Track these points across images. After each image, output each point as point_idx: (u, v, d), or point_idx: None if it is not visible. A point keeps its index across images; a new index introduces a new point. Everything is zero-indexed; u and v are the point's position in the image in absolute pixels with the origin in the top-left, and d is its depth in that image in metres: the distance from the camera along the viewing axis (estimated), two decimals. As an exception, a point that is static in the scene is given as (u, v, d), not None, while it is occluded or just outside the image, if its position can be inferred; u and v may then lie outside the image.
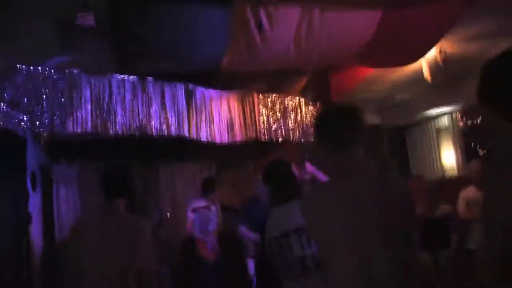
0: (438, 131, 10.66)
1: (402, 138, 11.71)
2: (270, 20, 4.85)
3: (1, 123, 5.48)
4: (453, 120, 10.28)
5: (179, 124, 6.25)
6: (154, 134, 6.09)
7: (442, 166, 10.54)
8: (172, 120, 6.22)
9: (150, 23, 4.71)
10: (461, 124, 9.82)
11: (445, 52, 6.65)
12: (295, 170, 6.42)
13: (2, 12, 4.70)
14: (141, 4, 4.51)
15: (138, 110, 5.96)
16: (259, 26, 4.72)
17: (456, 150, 10.25)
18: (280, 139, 7.30)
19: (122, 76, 5.91)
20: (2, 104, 5.34)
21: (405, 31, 5.30)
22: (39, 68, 5.53)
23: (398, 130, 11.45)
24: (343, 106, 2.56)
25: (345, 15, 5.08)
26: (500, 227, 1.59)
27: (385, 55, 6.02)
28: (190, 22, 4.80)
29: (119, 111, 5.83)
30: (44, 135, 6.84)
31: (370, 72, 7.28)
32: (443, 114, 10.37)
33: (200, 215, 7.16)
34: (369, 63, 6.61)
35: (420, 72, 6.99)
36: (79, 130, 5.61)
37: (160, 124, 6.12)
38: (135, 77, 5.98)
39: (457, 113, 9.97)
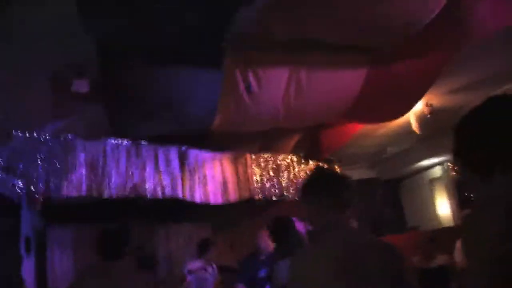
0: (431, 181, 10.73)
1: (397, 190, 11.76)
2: (259, 82, 4.97)
3: (-4, 187, 5.53)
4: (445, 171, 10.37)
5: (173, 186, 6.30)
6: (148, 196, 6.12)
7: (437, 216, 10.55)
8: (166, 182, 6.27)
9: (142, 86, 4.82)
10: (453, 174, 9.89)
11: (431, 105, 6.81)
12: (298, 224, 6.48)
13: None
14: (133, 68, 4.63)
15: (133, 173, 6.02)
16: (248, 88, 4.83)
17: (450, 199, 10.29)
18: (274, 197, 7.34)
19: (117, 140, 6.00)
20: (-3, 169, 5.40)
21: (391, 87, 5.41)
22: (35, 133, 5.62)
23: (392, 182, 11.52)
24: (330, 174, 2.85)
25: (332, 75, 5.20)
26: None
27: (374, 111, 6.13)
28: (182, 84, 4.91)
29: (113, 174, 5.89)
30: (40, 199, 6.87)
31: (360, 128, 7.40)
32: (435, 164, 10.47)
33: (197, 277, 7.17)
34: (359, 119, 6.73)
35: (409, 126, 7.12)
36: (74, 194, 5.64)
37: (155, 186, 6.16)
38: (129, 141, 6.07)
39: (449, 164, 10.06)
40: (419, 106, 6.76)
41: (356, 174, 10.70)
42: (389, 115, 6.51)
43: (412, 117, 7.02)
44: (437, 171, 10.57)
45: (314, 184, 2.68)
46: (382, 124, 7.57)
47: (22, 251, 7.74)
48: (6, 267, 7.17)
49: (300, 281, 2.55)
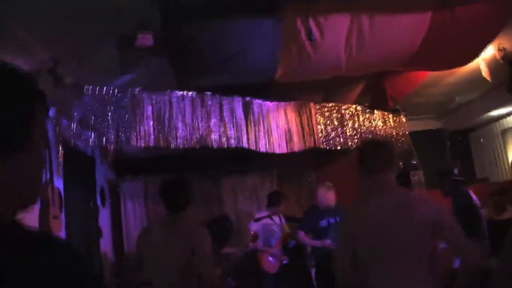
0: (504, 132, 10.35)
1: (466, 141, 11.46)
2: (320, 29, 4.91)
3: (72, 140, 5.81)
4: (518, 121, 9.97)
5: (238, 137, 6.42)
6: (214, 147, 6.27)
7: (508, 168, 10.22)
8: (231, 132, 6.39)
9: (203, 38, 4.88)
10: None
11: (504, 49, 6.44)
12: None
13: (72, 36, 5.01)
14: (195, 21, 4.69)
15: (198, 124, 6.17)
16: (309, 36, 4.79)
17: (523, 150, 9.94)
18: (338, 147, 7.35)
19: (182, 92, 6.15)
20: (72, 122, 5.66)
21: (458, 31, 5.20)
22: (104, 88, 5.84)
23: (461, 133, 11.21)
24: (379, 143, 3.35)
25: (395, 19, 5.06)
26: None
27: (439, 57, 5.93)
28: (243, 35, 4.93)
29: (179, 125, 6.05)
30: (111, 151, 7.17)
31: (427, 76, 7.19)
32: (507, 114, 10.05)
33: (263, 227, 7.34)
34: (424, 66, 6.53)
35: (479, 72, 6.81)
36: (142, 145, 5.86)
37: (220, 137, 6.30)
38: (193, 92, 6.21)
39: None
40: (490, 51, 6.43)
41: (423, 124, 10.52)
42: (457, 61, 6.29)
43: (482, 63, 6.68)
44: (510, 121, 10.16)
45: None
46: (449, 71, 7.31)
47: (98, 202, 8.15)
48: (84, 217, 7.57)
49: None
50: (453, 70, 7.13)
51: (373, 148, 3.17)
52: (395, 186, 3.09)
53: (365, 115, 7.60)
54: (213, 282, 4.22)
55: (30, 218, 1.17)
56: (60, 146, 5.77)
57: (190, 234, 4.17)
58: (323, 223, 6.51)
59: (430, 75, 7.21)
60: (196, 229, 4.30)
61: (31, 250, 1.02)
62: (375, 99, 7.62)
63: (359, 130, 7.44)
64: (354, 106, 7.55)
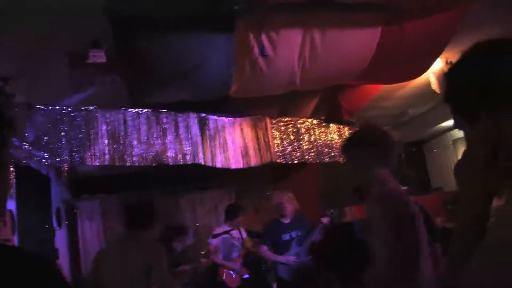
0: (455, 142, 10.64)
1: (421, 152, 11.73)
2: (273, 45, 4.96)
3: (24, 161, 5.70)
4: (468, 131, 10.20)
5: (194, 153, 6.41)
6: (170, 163, 6.24)
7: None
8: (187, 149, 6.38)
9: (157, 54, 4.87)
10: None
11: (451, 62, 6.63)
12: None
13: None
14: (147, 36, 4.68)
15: (154, 142, 6.14)
16: (262, 51, 4.84)
17: (474, 160, 10.15)
18: (295, 161, 7.40)
19: (136, 109, 6.11)
20: (24, 143, 5.55)
21: (407, 45, 5.35)
22: (57, 106, 5.76)
23: (415, 144, 11.47)
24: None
25: (346, 34, 5.16)
26: None
27: (390, 71, 6.07)
28: (197, 50, 4.94)
29: (135, 143, 6.02)
30: (65, 170, 7.07)
31: (380, 89, 7.35)
32: (457, 125, 10.29)
33: (223, 241, 7.33)
34: (376, 80, 6.68)
35: (429, 85, 6.99)
36: (97, 164, 5.79)
37: (176, 154, 6.28)
38: (148, 110, 6.18)
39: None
40: (439, 65, 6.63)
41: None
42: (407, 74, 6.46)
43: (432, 76, 6.89)
44: (460, 132, 10.43)
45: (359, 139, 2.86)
46: (401, 85, 7.49)
47: (54, 223, 7.99)
48: (40, 238, 7.41)
49: None
50: (405, 83, 7.31)
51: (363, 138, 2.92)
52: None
53: (321, 128, 7.69)
54: None
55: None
56: (12, 167, 5.64)
57: (145, 251, 4.16)
58: (285, 236, 6.52)
59: (383, 88, 7.37)
60: (151, 245, 4.30)
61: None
62: (330, 113, 7.72)
63: (315, 143, 7.52)
64: (309, 120, 7.63)
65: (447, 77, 1.76)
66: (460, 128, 2.00)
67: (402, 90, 8.02)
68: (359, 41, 5.33)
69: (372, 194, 2.66)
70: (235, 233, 7.42)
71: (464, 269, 1.64)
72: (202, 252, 7.51)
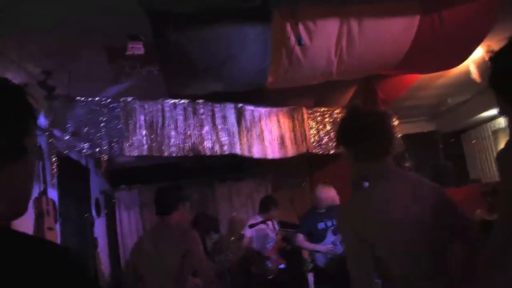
0: (494, 132, 10.40)
1: (459, 143, 11.50)
2: (310, 34, 4.93)
3: (65, 152, 5.83)
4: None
5: (231, 143, 6.43)
6: (207, 154, 6.28)
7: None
8: (224, 139, 6.40)
9: (193, 46, 4.89)
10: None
11: (492, 50, 6.47)
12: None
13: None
14: (184, 27, 4.71)
15: (191, 132, 6.19)
16: (299, 41, 4.81)
17: (514, 150, 9.91)
18: (331, 152, 7.36)
19: (174, 100, 6.17)
20: (65, 134, 5.68)
21: (446, 34, 5.24)
22: (96, 98, 5.87)
23: (453, 134, 11.26)
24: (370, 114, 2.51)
25: (383, 23, 5.08)
26: None
27: (428, 60, 5.96)
28: (233, 41, 4.94)
29: (172, 134, 6.07)
30: (104, 160, 7.19)
31: (417, 79, 7.23)
32: (498, 115, 10.07)
33: (258, 233, 7.36)
34: (413, 69, 6.57)
35: (469, 74, 6.85)
36: (135, 154, 5.88)
37: (213, 144, 6.31)
38: (186, 100, 6.23)
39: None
40: (479, 53, 6.47)
41: (415, 127, 10.56)
42: (446, 63, 6.33)
43: (472, 65, 6.74)
44: (500, 122, 10.20)
45: (352, 126, 2.44)
46: (440, 74, 7.36)
47: (93, 212, 8.15)
48: (80, 228, 7.57)
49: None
50: (444, 72, 7.18)
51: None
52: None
53: (358, 119, 7.61)
54: (210, 281, 4.27)
55: (25, 229, 1.18)
56: (54, 158, 5.77)
57: (181, 238, 4.22)
58: (321, 225, 6.54)
59: (421, 78, 7.25)
60: (186, 232, 4.35)
61: (29, 254, 1.03)
62: (366, 103, 7.63)
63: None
64: (346, 109, 7.57)
65: (493, 62, 1.73)
66: (504, 115, 1.92)
67: (441, 80, 7.88)
68: (397, 30, 5.25)
69: None
70: (269, 224, 7.45)
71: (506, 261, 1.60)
72: (234, 240, 7.55)
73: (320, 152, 7.28)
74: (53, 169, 5.82)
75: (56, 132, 5.81)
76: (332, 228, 6.49)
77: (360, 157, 2.42)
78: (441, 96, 9.12)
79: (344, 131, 2.49)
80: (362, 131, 2.38)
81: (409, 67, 6.25)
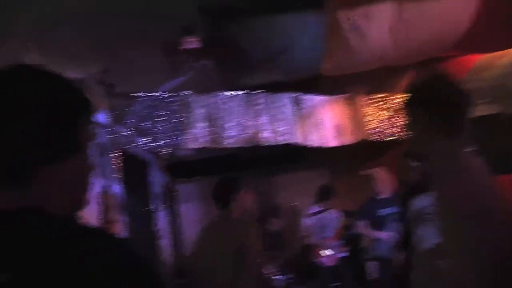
0: None
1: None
2: (365, 19, 4.87)
3: (126, 147, 5.97)
4: None
5: (289, 133, 6.42)
6: (265, 144, 6.29)
7: None
8: (282, 129, 6.40)
9: (247, 37, 4.91)
10: None
11: None
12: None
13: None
14: (238, 18, 4.73)
15: (248, 123, 6.21)
16: (354, 27, 4.75)
17: None
18: (390, 138, 7.24)
19: (230, 92, 6.21)
20: (126, 129, 5.81)
21: (509, 9, 5.05)
22: (155, 93, 5.97)
23: (518, 117, 10.84)
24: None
25: (440, 2, 4.96)
26: None
27: (490, 38, 5.75)
28: (287, 30, 4.94)
29: (230, 125, 6.11)
30: (163, 154, 7.33)
31: (479, 59, 6.99)
32: None
33: (318, 221, 7.33)
34: (474, 49, 6.36)
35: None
36: (195, 147, 5.95)
37: (271, 134, 6.32)
38: (242, 92, 6.26)
39: None
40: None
41: (478, 110, 10.23)
42: (508, 42, 6.11)
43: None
44: None
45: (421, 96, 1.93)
46: (502, 53, 7.10)
47: (155, 205, 8.31)
48: (142, 221, 7.73)
49: None
50: (506, 51, 6.91)
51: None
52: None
53: (417, 104, 7.43)
54: (261, 274, 4.30)
55: (90, 223, 1.21)
56: (116, 153, 5.92)
57: (237, 229, 4.25)
58: (382, 213, 6.45)
59: (482, 58, 7.01)
60: (243, 223, 4.37)
61: (94, 244, 1.05)
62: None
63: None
64: (404, 95, 7.41)
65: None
66: None
67: (504, 59, 7.57)
68: (455, 9, 5.10)
69: None
70: (328, 213, 7.41)
71: None
72: (299, 232, 7.55)
73: (379, 138, 7.17)
74: (115, 164, 5.97)
75: (117, 128, 5.95)
76: (393, 215, 6.39)
77: None
78: (504, 76, 8.78)
79: None
80: None
81: (470, 47, 6.06)
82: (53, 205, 1.11)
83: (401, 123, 7.23)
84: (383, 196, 6.54)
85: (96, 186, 5.57)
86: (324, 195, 7.55)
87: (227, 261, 4.14)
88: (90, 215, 5.51)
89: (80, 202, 1.23)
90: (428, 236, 3.68)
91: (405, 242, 5.04)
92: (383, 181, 6.59)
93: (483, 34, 5.48)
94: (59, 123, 1.12)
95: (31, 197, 1.09)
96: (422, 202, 3.95)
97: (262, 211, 7.57)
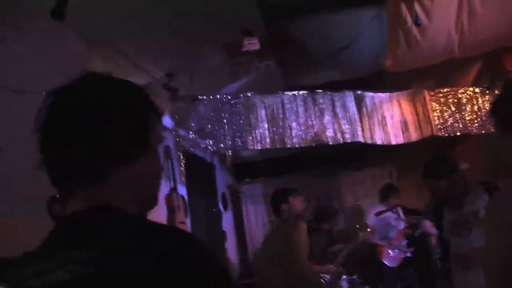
0: None
1: None
2: (427, 12, 4.74)
3: (191, 149, 6.07)
4: None
5: (353, 131, 6.35)
6: (329, 143, 6.25)
7: None
8: (346, 128, 6.33)
9: (307, 36, 4.89)
10: None
11: None
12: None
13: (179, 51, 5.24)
14: (297, 17, 4.72)
15: (312, 122, 6.18)
16: (416, 21, 4.64)
17: None
18: (458, 134, 7.04)
19: (293, 92, 6.20)
20: (190, 132, 5.91)
21: None
22: (218, 95, 6.04)
23: None
24: None
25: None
26: None
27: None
28: (347, 27, 4.90)
29: (293, 125, 6.11)
30: (228, 156, 7.40)
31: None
32: None
33: (382, 221, 7.24)
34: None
35: None
36: (259, 147, 5.98)
37: (335, 133, 6.27)
38: (304, 91, 6.24)
39: None
40: None
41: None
42: None
43: None
44: None
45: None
46: None
47: (220, 207, 8.41)
48: (208, 222, 7.84)
49: None
50: None
51: None
52: None
53: (485, 97, 7.19)
54: (305, 275, 4.44)
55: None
56: (181, 156, 6.03)
57: (288, 230, 4.46)
58: None
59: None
60: (293, 224, 4.57)
61: (164, 241, 1.08)
62: (494, 79, 7.19)
63: (479, 113, 7.06)
64: (471, 89, 7.18)
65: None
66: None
67: None
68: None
69: None
70: (392, 212, 7.31)
71: None
72: (358, 229, 7.46)
73: (446, 134, 6.98)
74: (181, 167, 6.08)
75: (182, 132, 6.07)
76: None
77: None
78: None
79: None
80: None
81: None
82: (126, 204, 1.15)
83: (468, 118, 7.03)
84: None
85: (163, 188, 5.69)
86: (388, 194, 7.45)
87: (275, 260, 4.36)
88: (159, 216, 5.65)
89: (151, 201, 1.28)
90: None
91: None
92: None
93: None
94: (132, 126, 1.18)
95: (107, 197, 1.14)
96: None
97: (318, 211, 7.57)
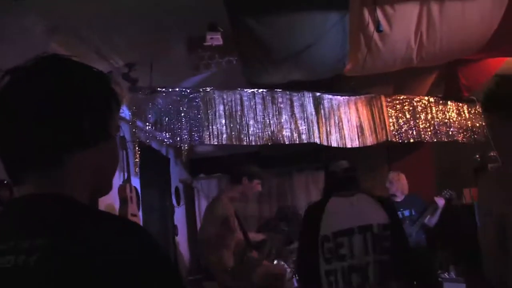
0: None
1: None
2: (389, 20, 4.82)
3: (147, 141, 6.01)
4: None
5: (309, 132, 6.40)
6: (285, 142, 6.29)
7: None
8: (303, 128, 6.39)
9: (270, 34, 4.90)
10: None
11: None
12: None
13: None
14: (261, 15, 4.71)
15: (269, 121, 6.21)
16: (378, 27, 4.71)
17: None
18: (411, 141, 7.19)
19: (253, 89, 6.21)
20: (147, 124, 5.85)
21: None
22: (177, 89, 6.00)
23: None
24: None
25: (467, 5, 4.88)
26: None
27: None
28: (310, 28, 4.91)
29: (251, 123, 6.13)
30: (184, 150, 7.36)
31: (504, 62, 6.86)
32: None
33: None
34: (499, 53, 6.24)
35: None
36: (215, 143, 5.97)
37: (291, 133, 6.31)
38: (264, 90, 6.26)
39: None
40: None
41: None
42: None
43: None
44: None
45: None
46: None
47: (173, 201, 8.36)
48: (161, 215, 7.78)
49: None
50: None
51: None
52: None
53: (439, 106, 7.37)
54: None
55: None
56: (137, 147, 5.97)
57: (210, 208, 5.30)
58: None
59: (508, 61, 6.88)
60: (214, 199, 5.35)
61: (113, 233, 1.07)
62: (448, 90, 7.36)
63: (432, 122, 7.23)
64: (426, 97, 7.34)
65: None
66: None
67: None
68: (482, 12, 5.01)
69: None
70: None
71: None
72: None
73: (400, 140, 7.12)
74: (136, 158, 6.02)
75: (139, 123, 6.00)
76: (409, 218, 6.41)
77: None
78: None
79: None
80: None
81: (496, 50, 5.93)
82: (78, 191, 1.13)
83: (422, 126, 7.18)
84: (398, 198, 6.61)
85: (116, 179, 5.62)
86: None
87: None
88: (109, 207, 5.58)
89: (105, 189, 1.27)
90: None
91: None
92: (397, 183, 6.67)
93: (509, 38, 5.39)
94: (93, 111, 1.16)
95: (59, 184, 1.12)
96: None
97: (280, 211, 7.63)
